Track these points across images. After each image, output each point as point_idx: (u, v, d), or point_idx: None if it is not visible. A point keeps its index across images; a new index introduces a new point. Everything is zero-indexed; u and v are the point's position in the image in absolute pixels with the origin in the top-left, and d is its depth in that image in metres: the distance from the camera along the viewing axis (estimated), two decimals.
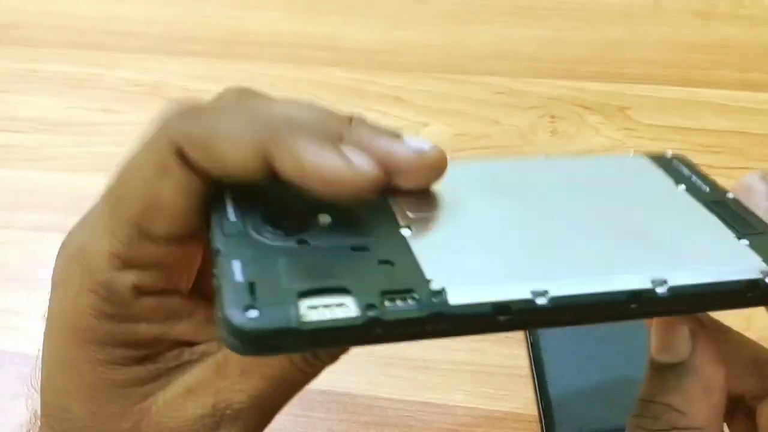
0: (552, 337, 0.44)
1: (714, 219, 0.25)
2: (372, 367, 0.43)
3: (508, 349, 0.44)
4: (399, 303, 0.20)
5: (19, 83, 0.58)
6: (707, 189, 0.27)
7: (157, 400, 0.24)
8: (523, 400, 0.42)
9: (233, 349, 0.19)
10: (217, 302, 0.20)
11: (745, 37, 0.63)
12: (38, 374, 0.25)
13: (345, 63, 0.61)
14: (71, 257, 0.24)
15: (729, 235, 0.25)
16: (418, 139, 0.23)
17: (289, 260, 0.21)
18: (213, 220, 0.22)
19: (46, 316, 0.25)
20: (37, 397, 0.25)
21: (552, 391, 0.42)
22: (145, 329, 0.24)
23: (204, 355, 0.25)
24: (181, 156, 0.23)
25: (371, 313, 0.19)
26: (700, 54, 0.62)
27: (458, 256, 0.22)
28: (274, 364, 0.23)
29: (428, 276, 0.21)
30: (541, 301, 0.21)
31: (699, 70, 0.61)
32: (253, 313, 0.19)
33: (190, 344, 0.25)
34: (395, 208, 0.24)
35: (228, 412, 0.24)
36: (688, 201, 0.27)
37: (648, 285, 0.22)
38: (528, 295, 0.21)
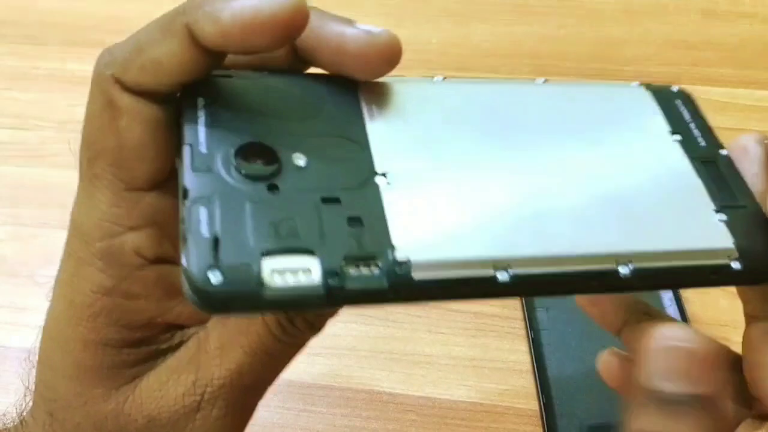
0: (553, 331, 0.44)
1: (698, 183, 0.25)
2: (373, 362, 0.43)
3: (510, 344, 0.44)
4: (362, 270, 0.20)
5: (23, 80, 0.58)
6: (701, 141, 0.26)
7: (141, 382, 0.24)
8: (525, 395, 0.42)
9: (193, 304, 0.19)
10: (182, 251, 0.20)
11: (746, 35, 0.64)
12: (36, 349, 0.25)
13: None
14: (69, 235, 0.24)
15: (708, 206, 0.24)
16: (371, 25, 0.23)
17: (257, 209, 0.20)
18: (184, 150, 0.21)
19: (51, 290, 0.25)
20: (33, 372, 0.25)
21: (553, 385, 0.42)
22: (142, 306, 0.24)
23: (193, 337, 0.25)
24: (124, 86, 0.22)
25: (332, 282, 0.20)
26: (701, 52, 0.62)
27: (429, 215, 0.22)
28: (251, 336, 0.23)
29: (394, 240, 0.21)
30: (502, 277, 0.21)
31: (699, 67, 0.61)
32: (215, 276, 0.19)
33: (183, 328, 0.25)
34: (375, 149, 0.23)
35: (208, 389, 0.23)
36: (677, 157, 0.26)
37: (611, 266, 0.22)
38: (490, 272, 0.21)
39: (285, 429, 0.41)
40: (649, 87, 0.28)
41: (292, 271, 0.20)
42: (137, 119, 0.22)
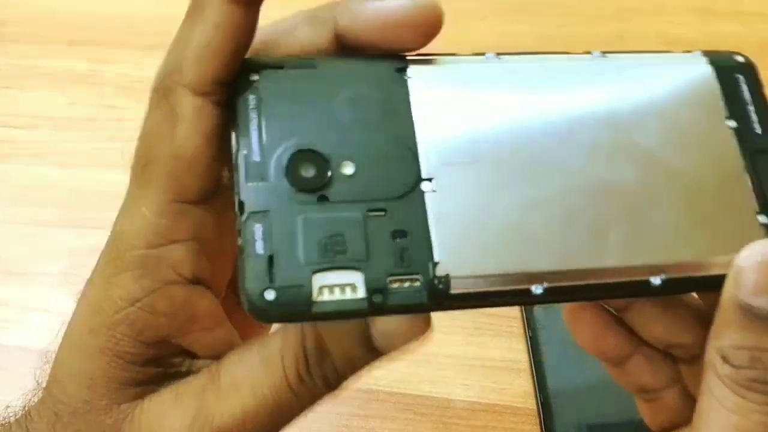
0: (551, 330, 0.44)
1: (744, 180, 0.24)
2: None
3: (508, 343, 0.44)
4: (404, 285, 0.21)
5: (20, 79, 0.58)
6: (758, 128, 0.25)
7: (142, 404, 0.24)
8: (522, 394, 0.42)
9: (249, 314, 0.21)
10: (239, 266, 0.21)
11: (744, 33, 0.63)
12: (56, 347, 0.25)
13: None
14: (109, 240, 0.24)
15: (751, 207, 0.24)
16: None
17: (308, 224, 0.21)
18: (239, 158, 0.22)
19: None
20: (47, 368, 0.25)
21: (551, 384, 0.42)
22: (163, 324, 0.24)
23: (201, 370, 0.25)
24: (183, 85, 0.23)
25: (376, 299, 0.21)
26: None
27: (471, 224, 0.22)
28: (266, 381, 0.23)
29: (436, 254, 0.22)
30: (536, 290, 0.22)
31: None
32: (270, 294, 0.21)
33: (195, 357, 0.25)
34: (422, 148, 0.23)
35: (206, 427, 0.23)
36: (727, 148, 0.25)
37: (644, 277, 0.23)
38: (525, 286, 0.22)
39: None
40: (711, 59, 0.26)
41: (340, 287, 0.21)
42: (196, 127, 0.23)
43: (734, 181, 0.24)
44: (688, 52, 0.26)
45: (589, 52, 0.26)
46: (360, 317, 0.22)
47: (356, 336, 0.23)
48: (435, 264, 0.21)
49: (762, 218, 0.24)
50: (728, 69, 0.26)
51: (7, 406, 0.27)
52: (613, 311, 0.28)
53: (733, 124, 0.25)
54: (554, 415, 0.41)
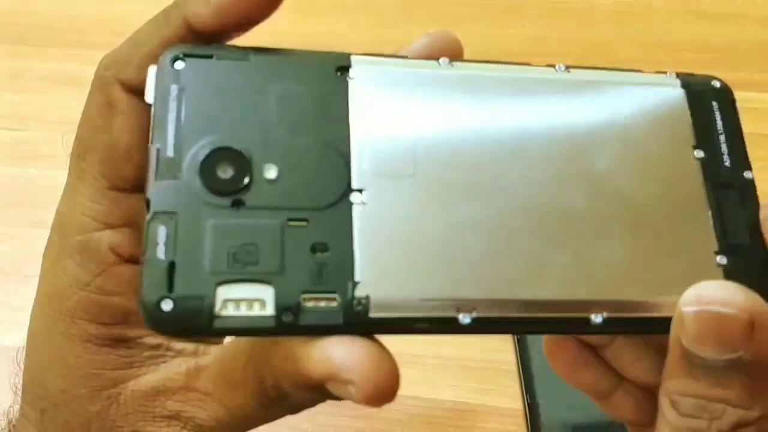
0: None
1: (706, 217, 0.23)
2: None
3: (495, 344, 0.45)
4: (319, 304, 0.20)
5: (16, 82, 0.59)
6: (726, 160, 0.24)
7: (125, 390, 0.24)
8: (509, 395, 0.43)
9: (147, 326, 0.19)
10: (139, 273, 0.20)
11: (735, 36, 0.64)
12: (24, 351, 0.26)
13: None
14: (51, 228, 0.25)
15: (710, 246, 0.22)
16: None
17: (218, 230, 0.20)
18: (150, 152, 0.21)
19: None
20: (20, 374, 0.26)
21: (537, 385, 0.42)
22: (117, 303, 0.24)
23: (180, 354, 0.25)
24: (123, 85, 0.23)
25: (286, 319, 0.19)
26: (690, 53, 0.63)
27: (399, 243, 0.21)
28: (236, 399, 0.23)
29: (357, 273, 0.20)
30: (464, 320, 0.20)
31: (688, 69, 0.61)
32: (167, 304, 0.19)
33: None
34: (355, 156, 0.21)
35: (191, 423, 0.24)
36: (692, 182, 0.23)
37: (583, 314, 0.21)
38: (452, 313, 0.20)
39: (269, 428, 0.41)
40: (685, 83, 0.25)
41: (247, 301, 0.19)
42: (132, 120, 0.23)
43: (695, 216, 0.23)
44: (662, 72, 0.25)
45: (552, 66, 0.24)
46: (267, 335, 0.20)
47: (311, 385, 0.21)
48: (355, 284, 0.20)
49: (720, 258, 0.22)
50: (702, 94, 0.24)
51: None
52: (594, 345, 0.27)
53: (700, 154, 0.24)
54: (540, 415, 0.41)
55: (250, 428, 0.24)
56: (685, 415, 0.21)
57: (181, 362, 0.25)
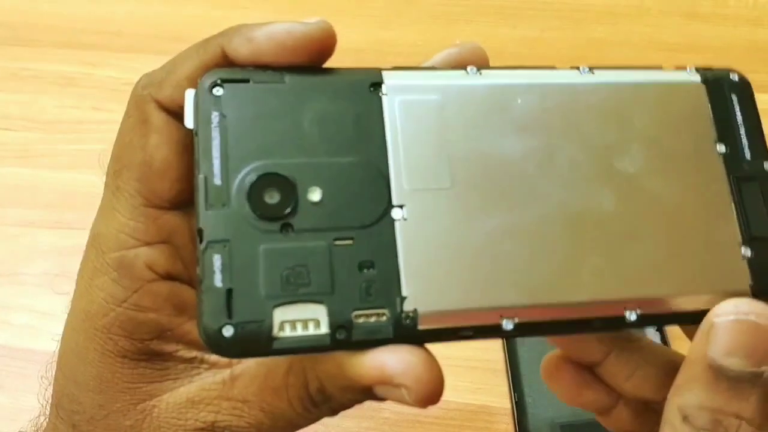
0: None
1: (729, 210, 0.23)
2: None
3: (484, 343, 0.44)
4: (370, 320, 0.21)
5: (9, 81, 0.59)
6: (747, 153, 0.24)
7: (160, 403, 0.24)
8: (498, 394, 0.43)
9: (208, 348, 0.20)
10: (197, 297, 0.20)
11: (729, 37, 0.64)
12: (54, 365, 0.26)
13: (332, 62, 0.61)
14: (88, 245, 0.25)
15: (734, 238, 0.23)
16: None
17: (270, 255, 0.20)
18: (198, 182, 0.21)
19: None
20: (50, 387, 0.26)
21: (525, 383, 0.42)
22: (153, 319, 0.24)
23: (214, 366, 0.25)
24: (159, 104, 0.23)
25: (339, 336, 0.20)
26: (684, 54, 0.63)
27: (442, 256, 0.21)
28: (274, 404, 0.23)
29: (404, 289, 0.21)
30: (507, 326, 0.21)
31: None
32: (228, 330, 0.20)
33: (201, 347, 0.25)
34: (394, 177, 0.22)
35: (226, 431, 0.24)
36: (714, 175, 0.24)
37: (619, 313, 0.22)
38: (496, 321, 0.21)
39: None
40: (705, 77, 0.25)
41: (302, 322, 0.20)
42: (167, 138, 0.24)
43: (719, 211, 0.23)
44: (682, 68, 0.25)
45: (577, 68, 0.24)
46: (323, 352, 0.21)
47: (359, 389, 0.22)
48: (403, 299, 0.21)
49: (745, 251, 0.23)
50: (721, 88, 0.25)
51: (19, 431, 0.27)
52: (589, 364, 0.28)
53: (722, 148, 0.24)
54: (528, 414, 0.41)
55: (289, 429, 0.25)
56: (701, 429, 0.21)
57: (215, 373, 0.25)
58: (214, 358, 0.25)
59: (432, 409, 0.42)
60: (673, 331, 0.45)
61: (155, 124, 0.24)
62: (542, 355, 0.45)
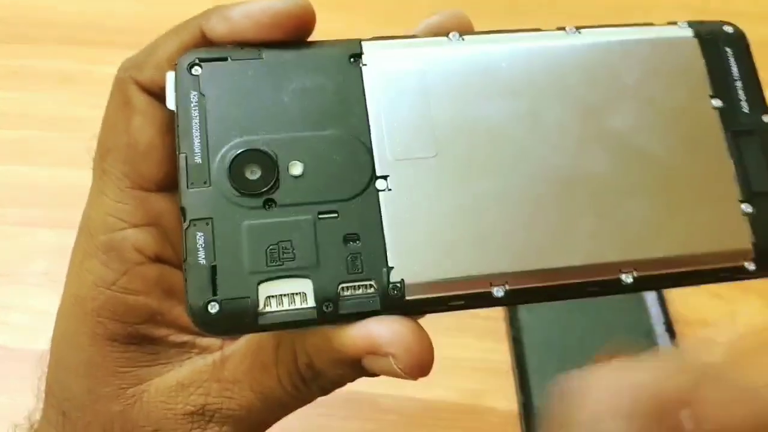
0: (534, 331, 0.44)
1: (728, 165, 0.22)
2: None
3: (491, 344, 0.44)
4: (356, 292, 0.20)
5: (8, 79, 0.58)
6: (744, 106, 0.23)
7: (150, 388, 0.24)
8: (505, 395, 0.42)
9: (195, 326, 0.20)
10: (184, 279, 0.20)
11: None
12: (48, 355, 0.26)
13: None
14: (79, 230, 0.25)
15: (733, 195, 0.22)
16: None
17: (253, 231, 0.21)
18: (179, 161, 0.21)
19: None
20: (44, 377, 0.26)
21: (533, 385, 0.42)
22: (143, 302, 0.24)
23: (205, 351, 0.25)
24: (140, 86, 0.24)
25: (326, 309, 0.20)
26: None
27: (428, 224, 0.21)
28: (265, 383, 0.23)
29: (390, 259, 0.21)
30: (498, 293, 0.21)
31: None
32: (213, 307, 0.20)
33: (192, 331, 0.25)
34: (377, 147, 0.22)
35: (217, 415, 0.24)
36: (711, 128, 0.23)
37: (614, 276, 0.21)
38: (486, 289, 0.21)
39: None
40: (698, 31, 0.25)
41: (288, 296, 0.20)
42: (150, 120, 0.24)
43: (716, 167, 0.23)
44: (673, 23, 0.25)
45: (563, 28, 0.24)
46: (310, 327, 0.21)
47: (347, 362, 0.22)
48: (389, 269, 0.21)
49: (745, 207, 0.22)
50: (715, 41, 0.24)
51: (16, 426, 0.27)
52: None
53: (717, 103, 0.23)
54: (536, 416, 0.41)
55: (281, 415, 0.24)
56: None
57: (206, 357, 0.25)
58: (206, 342, 0.25)
59: (438, 411, 0.41)
60: (676, 307, 0.44)
61: (137, 107, 0.24)
62: (549, 356, 0.44)
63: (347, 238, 0.21)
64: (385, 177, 0.21)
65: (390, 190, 0.21)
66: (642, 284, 0.21)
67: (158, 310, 0.24)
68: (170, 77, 0.22)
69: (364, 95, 0.22)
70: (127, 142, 0.24)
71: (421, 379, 0.42)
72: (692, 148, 0.23)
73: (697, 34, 0.25)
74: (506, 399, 0.42)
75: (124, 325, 0.24)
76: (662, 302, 0.45)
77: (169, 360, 0.25)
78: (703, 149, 0.23)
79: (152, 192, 0.24)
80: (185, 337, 0.25)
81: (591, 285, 0.21)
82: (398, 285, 0.20)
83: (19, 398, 0.42)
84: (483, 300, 0.21)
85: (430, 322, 0.44)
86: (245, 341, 0.24)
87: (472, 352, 0.44)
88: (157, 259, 0.24)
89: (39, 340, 0.44)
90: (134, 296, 0.24)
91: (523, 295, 0.21)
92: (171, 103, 0.22)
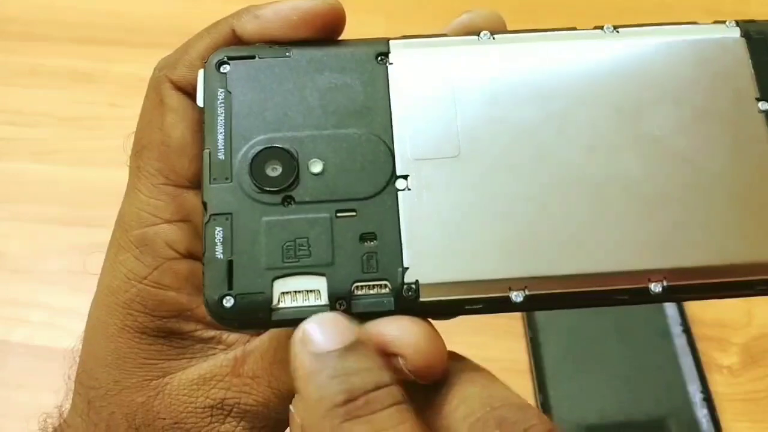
0: (551, 332, 0.44)
1: None
2: None
3: (508, 344, 0.44)
4: (370, 292, 0.20)
5: (26, 77, 0.59)
6: None
7: (172, 381, 0.24)
8: (522, 395, 0.42)
9: (211, 320, 0.21)
10: (202, 272, 0.21)
11: None
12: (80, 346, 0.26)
13: None
14: (115, 224, 0.25)
15: None
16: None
17: (271, 227, 0.21)
18: (203, 157, 0.22)
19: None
20: (74, 366, 0.26)
21: (550, 385, 0.42)
22: (173, 297, 0.24)
23: (231, 347, 0.25)
24: (174, 84, 0.24)
25: (339, 307, 0.20)
26: None
27: (446, 225, 0.21)
28: (282, 380, 0.24)
29: (406, 259, 0.20)
30: (516, 298, 0.20)
31: None
32: (228, 301, 0.20)
33: (218, 327, 0.25)
34: (398, 147, 0.22)
35: (235, 409, 0.24)
36: (757, 132, 0.22)
37: (642, 285, 0.20)
38: (504, 293, 0.20)
39: None
40: (745, 31, 0.24)
41: (302, 293, 0.20)
42: (183, 117, 0.24)
43: (760, 173, 0.21)
44: (721, 22, 0.24)
45: (600, 27, 0.23)
46: None
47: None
48: (404, 269, 0.20)
49: None
50: (764, 42, 0.23)
51: (47, 416, 0.27)
52: None
53: (764, 106, 0.22)
54: (553, 415, 0.41)
55: None
56: None
57: (229, 352, 0.25)
58: (232, 338, 0.25)
59: None
60: (692, 308, 0.44)
61: (171, 104, 0.24)
62: (567, 356, 0.44)
63: (364, 237, 0.21)
64: (405, 177, 0.21)
65: (409, 190, 0.21)
66: (672, 294, 0.20)
67: (187, 305, 0.25)
68: (200, 75, 0.23)
69: (389, 94, 0.22)
70: (161, 140, 0.24)
71: None
72: (735, 153, 0.22)
73: (745, 34, 0.23)
74: (524, 399, 0.42)
75: (154, 319, 0.24)
76: (679, 303, 0.45)
77: (194, 355, 0.25)
78: (748, 155, 0.21)
79: (185, 188, 0.25)
80: (212, 333, 0.25)
81: (615, 293, 0.20)
82: (413, 286, 0.20)
83: (40, 396, 0.43)
84: (501, 305, 0.20)
85: (446, 321, 0.44)
86: (267, 337, 0.24)
87: (490, 351, 0.44)
88: (189, 255, 0.25)
89: (59, 338, 0.45)
90: (165, 291, 0.24)
91: (542, 301, 0.20)
92: (200, 101, 0.22)
